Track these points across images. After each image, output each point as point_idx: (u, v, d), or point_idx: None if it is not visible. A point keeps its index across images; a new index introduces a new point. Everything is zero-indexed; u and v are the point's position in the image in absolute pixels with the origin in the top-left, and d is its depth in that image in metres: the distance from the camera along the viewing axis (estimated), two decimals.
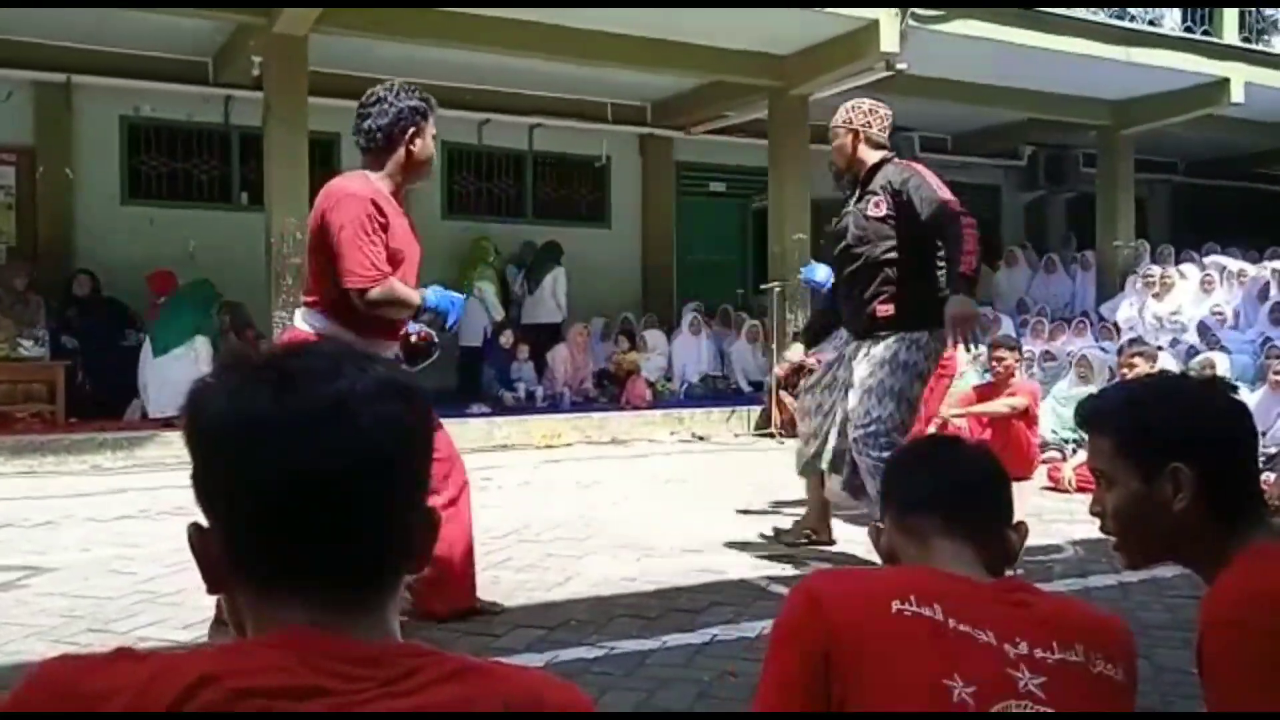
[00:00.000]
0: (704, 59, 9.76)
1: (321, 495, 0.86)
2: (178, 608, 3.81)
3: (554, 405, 9.80)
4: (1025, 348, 9.72)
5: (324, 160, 10.67)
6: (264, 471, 0.85)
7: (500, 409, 9.46)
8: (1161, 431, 1.45)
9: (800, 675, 1.21)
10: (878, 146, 4.61)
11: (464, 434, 8.54)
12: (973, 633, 1.19)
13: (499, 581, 4.28)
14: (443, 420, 8.59)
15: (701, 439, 9.29)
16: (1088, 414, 1.55)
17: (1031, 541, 4.77)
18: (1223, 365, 7.58)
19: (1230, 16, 11.08)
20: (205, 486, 0.89)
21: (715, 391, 10.76)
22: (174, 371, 7.87)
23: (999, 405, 6.81)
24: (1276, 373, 7.09)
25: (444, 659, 0.88)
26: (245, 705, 0.79)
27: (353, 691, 0.82)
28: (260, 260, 8.67)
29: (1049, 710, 1.13)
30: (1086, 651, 1.20)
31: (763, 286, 10.85)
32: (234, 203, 10.69)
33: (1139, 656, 1.43)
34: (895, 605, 1.21)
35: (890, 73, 9.40)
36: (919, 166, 4.53)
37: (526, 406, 9.72)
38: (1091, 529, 5.26)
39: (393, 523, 0.90)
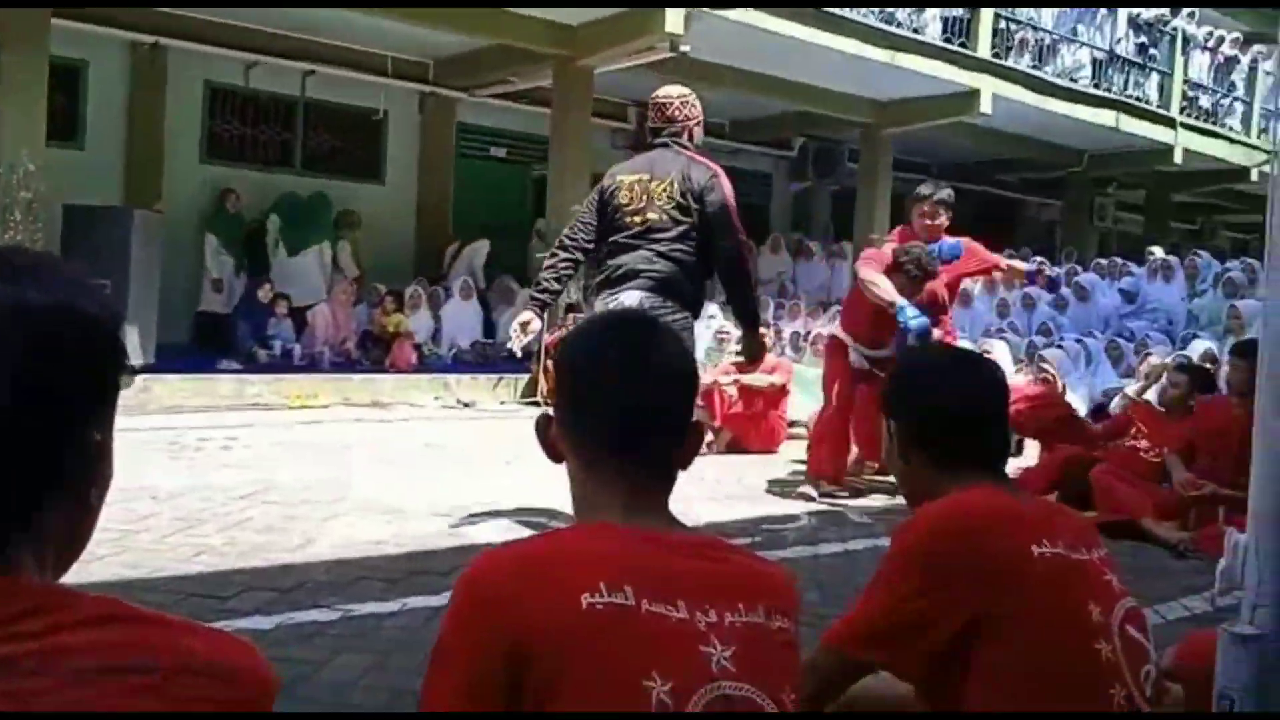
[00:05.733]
0: (490, 20, 9.59)
1: None
2: None
3: (312, 364, 9.42)
4: (786, 329, 10.21)
5: (68, 90, 9.84)
6: None
7: (253, 366, 9.00)
8: (888, 397, 1.81)
9: (478, 687, 1.11)
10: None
11: (211, 391, 8.11)
12: (665, 611, 1.15)
13: (235, 543, 4.07)
14: (184, 376, 8.06)
15: (467, 405, 9.17)
16: None
17: (770, 511, 5.03)
18: (1001, 352, 7.99)
19: (984, 31, 11.94)
20: None
21: (485, 359, 10.65)
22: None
23: (762, 379, 7.09)
24: (1042, 371, 7.70)
25: (81, 602, 0.80)
26: None
27: None
28: None
29: (740, 686, 1.15)
30: (767, 609, 1.23)
31: (538, 256, 10.81)
32: None
33: None
34: (585, 600, 1.12)
35: (673, 54, 9.55)
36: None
37: (282, 365, 9.28)
38: (827, 501, 5.55)
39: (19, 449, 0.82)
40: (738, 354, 6.86)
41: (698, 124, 4.42)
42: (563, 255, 4.40)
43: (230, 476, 5.35)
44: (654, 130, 4.40)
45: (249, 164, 11.25)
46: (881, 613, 1.57)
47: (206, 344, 9.70)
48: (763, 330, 7.08)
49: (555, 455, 1.35)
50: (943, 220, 5.77)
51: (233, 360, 8.95)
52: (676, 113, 4.34)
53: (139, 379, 7.83)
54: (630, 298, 4.12)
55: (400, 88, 11.75)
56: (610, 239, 4.27)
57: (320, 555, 3.96)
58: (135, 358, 7.80)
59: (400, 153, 12.28)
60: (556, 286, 4.48)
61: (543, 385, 9.35)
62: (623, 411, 1.28)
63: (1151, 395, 6.37)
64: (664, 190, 4.18)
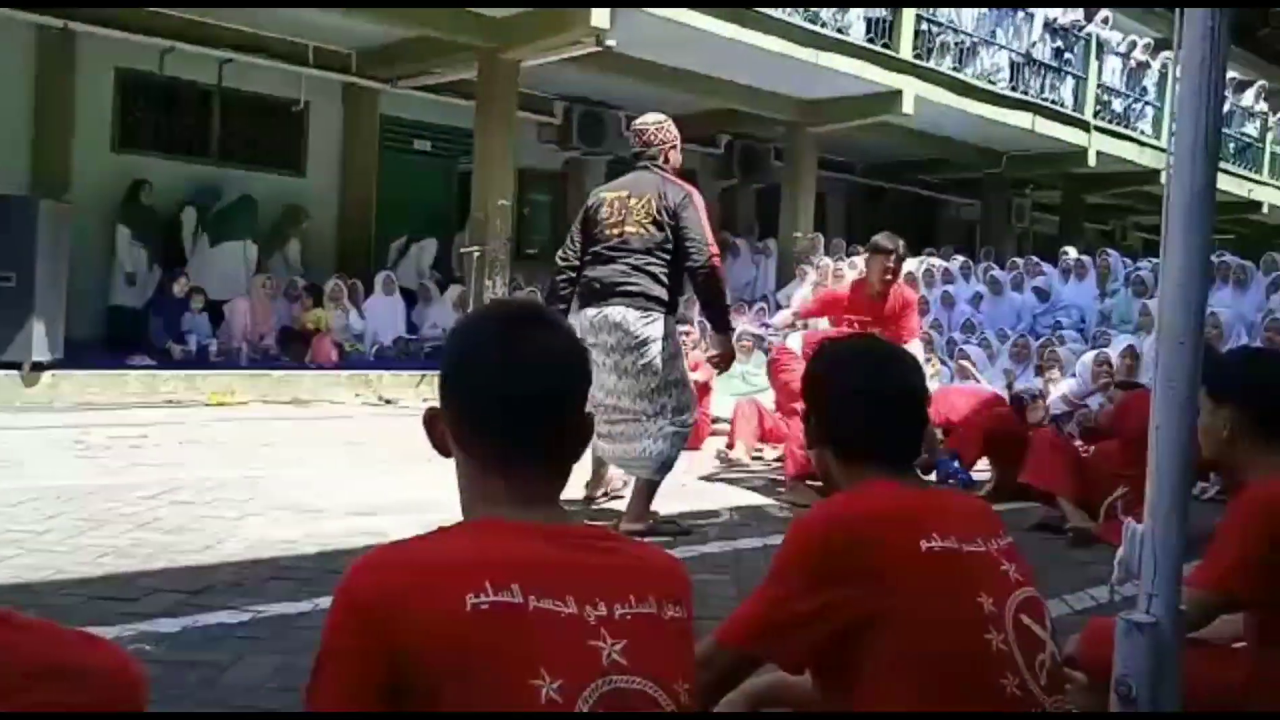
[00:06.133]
0: (413, 11, 9.46)
1: None
2: None
3: (230, 361, 9.20)
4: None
5: None
6: None
7: (168, 362, 8.75)
8: (803, 383, 1.84)
9: (360, 695, 1.09)
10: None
11: (121, 387, 7.88)
12: (554, 607, 1.14)
13: (142, 544, 3.95)
14: (93, 372, 7.82)
15: (389, 402, 9.04)
16: None
17: (693, 507, 5.04)
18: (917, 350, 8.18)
19: (907, 32, 12.12)
20: None
21: (407, 355, 10.51)
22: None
23: None
24: (963, 368, 7.92)
25: None
26: None
27: None
28: None
29: (632, 679, 1.14)
30: (659, 599, 1.22)
31: (463, 250, 10.72)
32: None
33: None
34: (469, 601, 1.10)
35: (599, 48, 9.52)
36: None
37: (197, 361, 9.05)
38: (749, 497, 5.62)
39: None
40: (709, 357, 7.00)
41: (674, 147, 4.81)
42: (562, 276, 4.85)
43: (140, 475, 5.20)
44: (636, 154, 4.84)
45: (163, 153, 10.93)
46: (772, 609, 1.58)
47: (119, 339, 9.40)
48: (688, 328, 7.12)
49: (444, 450, 1.32)
50: (900, 278, 6.03)
51: (146, 356, 8.70)
52: (653, 137, 4.77)
53: (46, 375, 7.58)
54: (615, 312, 4.57)
55: (321, 78, 11.52)
56: (591, 249, 4.72)
57: (231, 555, 3.86)
58: (41, 353, 7.55)
59: (322, 144, 12.04)
60: (563, 307, 4.85)
61: None
62: (505, 404, 1.25)
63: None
64: (642, 207, 4.62)
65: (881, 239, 5.93)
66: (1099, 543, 4.66)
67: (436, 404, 1.34)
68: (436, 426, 1.31)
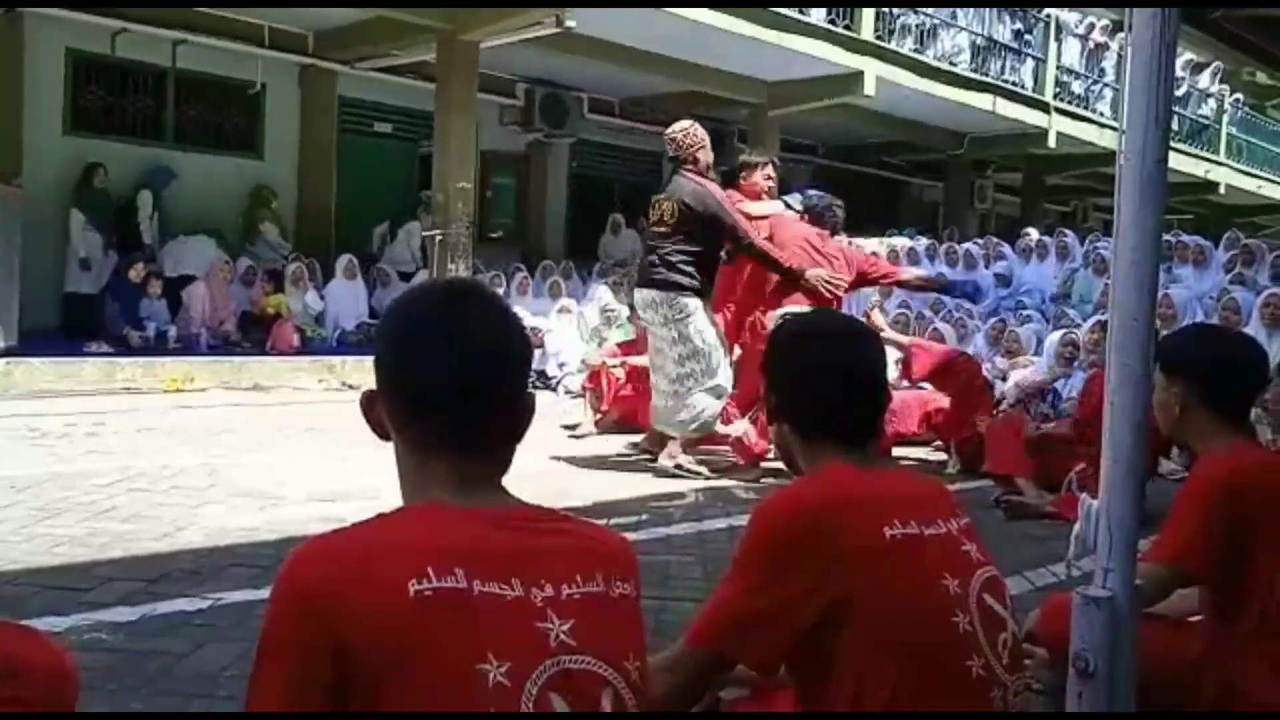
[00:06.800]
0: None
1: None
2: None
3: (188, 347, 9.07)
4: None
5: None
6: None
7: (125, 349, 8.61)
8: (763, 360, 1.82)
9: (304, 687, 1.07)
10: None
11: (77, 375, 7.76)
12: (499, 590, 1.12)
13: (97, 533, 3.89)
14: (47, 360, 7.70)
15: (352, 388, 8.95)
16: None
17: (658, 488, 5.04)
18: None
19: (868, 13, 12.13)
20: None
21: (370, 340, 10.39)
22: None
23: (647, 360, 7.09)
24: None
25: None
26: None
27: None
28: None
29: (580, 659, 1.14)
30: (606, 577, 1.21)
31: (424, 234, 10.63)
32: None
33: None
34: (413, 588, 1.08)
35: (560, 29, 9.45)
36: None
37: (156, 348, 8.91)
38: (714, 477, 5.59)
39: None
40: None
41: (701, 149, 5.41)
42: None
43: (96, 463, 5.12)
44: (671, 158, 5.52)
45: (117, 136, 10.72)
46: (739, 602, 1.55)
47: (75, 326, 9.24)
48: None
49: (383, 433, 1.29)
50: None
51: (103, 343, 8.55)
52: (682, 141, 5.41)
53: None
54: (650, 295, 5.42)
55: (278, 59, 11.34)
56: (645, 241, 5.72)
57: (189, 543, 3.81)
58: None
59: (280, 127, 11.85)
60: None
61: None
62: (447, 388, 1.22)
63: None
64: (670, 206, 5.37)
65: (752, 155, 6.43)
66: (1044, 518, 4.65)
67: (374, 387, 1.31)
68: (374, 410, 1.28)
